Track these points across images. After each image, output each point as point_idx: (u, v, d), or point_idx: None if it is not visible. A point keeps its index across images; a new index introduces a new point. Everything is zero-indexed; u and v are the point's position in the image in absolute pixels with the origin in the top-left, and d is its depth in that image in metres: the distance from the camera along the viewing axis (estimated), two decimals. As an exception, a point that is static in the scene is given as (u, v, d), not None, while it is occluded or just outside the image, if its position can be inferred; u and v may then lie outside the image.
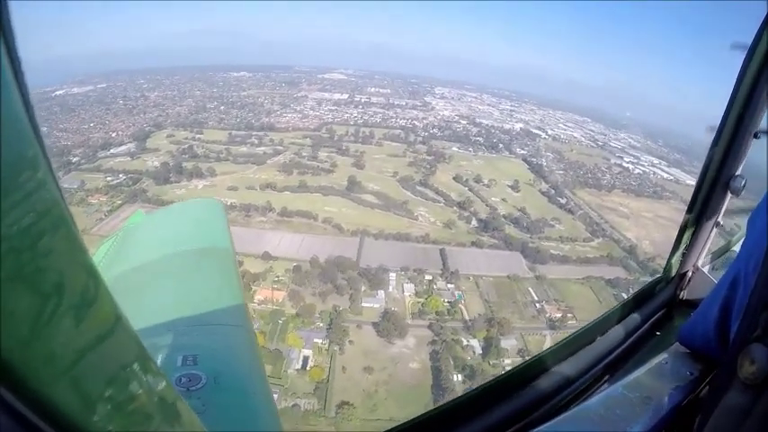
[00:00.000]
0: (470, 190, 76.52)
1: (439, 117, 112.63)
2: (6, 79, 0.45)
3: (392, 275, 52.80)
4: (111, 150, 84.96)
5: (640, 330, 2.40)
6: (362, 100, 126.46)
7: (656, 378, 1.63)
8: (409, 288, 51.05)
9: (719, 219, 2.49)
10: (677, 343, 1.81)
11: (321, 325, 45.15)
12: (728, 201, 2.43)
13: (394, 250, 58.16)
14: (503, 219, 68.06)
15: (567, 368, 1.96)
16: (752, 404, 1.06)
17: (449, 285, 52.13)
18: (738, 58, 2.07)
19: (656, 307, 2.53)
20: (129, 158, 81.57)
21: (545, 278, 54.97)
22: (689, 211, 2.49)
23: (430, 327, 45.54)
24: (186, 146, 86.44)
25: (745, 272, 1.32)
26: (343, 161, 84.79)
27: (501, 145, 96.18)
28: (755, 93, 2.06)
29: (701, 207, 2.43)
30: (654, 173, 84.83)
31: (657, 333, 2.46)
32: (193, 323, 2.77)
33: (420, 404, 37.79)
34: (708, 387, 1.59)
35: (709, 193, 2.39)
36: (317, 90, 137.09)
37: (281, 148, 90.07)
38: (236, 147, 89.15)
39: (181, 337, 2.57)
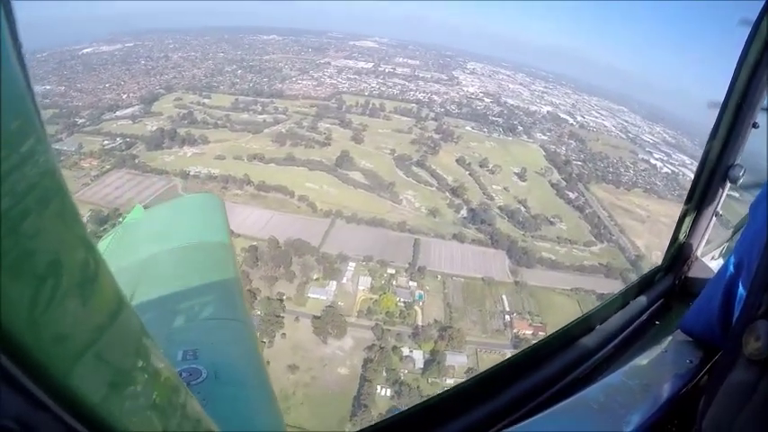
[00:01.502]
0: (471, 175, 69.80)
1: (462, 93, 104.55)
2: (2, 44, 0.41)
3: (351, 265, 48.69)
4: (117, 113, 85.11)
5: (640, 319, 2.40)
6: (386, 70, 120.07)
7: (655, 366, 1.70)
8: (365, 281, 46.80)
9: (718, 208, 2.49)
10: (677, 331, 1.86)
11: (259, 313, 42.08)
12: (727, 190, 2.43)
13: (364, 236, 53.80)
14: (497, 210, 61.37)
15: (568, 356, 1.99)
16: (757, 379, 1.07)
17: (411, 283, 47.30)
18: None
19: (656, 296, 2.53)
20: (130, 122, 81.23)
21: (525, 285, 48.66)
22: (688, 200, 2.49)
23: (374, 329, 41.39)
24: (187, 111, 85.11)
25: (748, 258, 1.33)
26: (342, 134, 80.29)
27: (520, 128, 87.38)
28: (754, 83, 2.08)
29: (700, 196, 2.44)
30: (683, 174, 73.80)
31: (657, 322, 2.46)
32: (193, 318, 2.80)
33: (335, 417, 34.31)
34: (707, 375, 1.64)
35: (708, 183, 2.40)
36: (343, 57, 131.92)
37: (283, 116, 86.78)
38: (237, 113, 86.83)
39: (181, 332, 2.61)
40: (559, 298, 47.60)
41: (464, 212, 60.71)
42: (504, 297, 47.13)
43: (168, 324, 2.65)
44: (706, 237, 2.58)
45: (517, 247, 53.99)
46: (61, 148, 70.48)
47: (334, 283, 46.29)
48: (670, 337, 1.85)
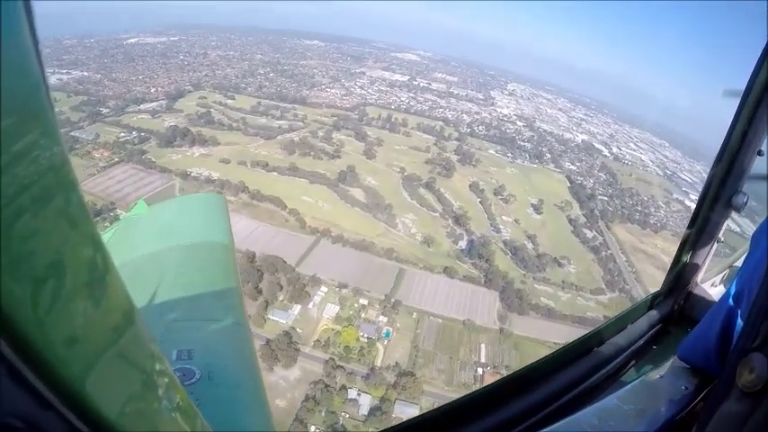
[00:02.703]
0: (482, 202, 66.69)
1: (494, 114, 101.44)
2: (13, 25, 0.41)
3: (322, 290, 47.28)
4: (141, 106, 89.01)
5: (637, 344, 2.44)
6: (421, 84, 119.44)
7: (651, 391, 1.75)
8: (332, 310, 45.19)
9: (721, 235, 2.53)
10: (673, 357, 1.92)
11: (213, 331, 41.73)
12: (730, 217, 2.48)
13: (346, 260, 52.34)
14: (500, 245, 57.92)
15: (563, 378, 2.04)
16: (750, 412, 1.11)
17: (381, 318, 45.12)
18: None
19: (655, 320, 2.57)
20: (149, 117, 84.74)
21: (511, 334, 45.15)
22: (690, 225, 2.54)
23: (326, 363, 39.66)
24: (206, 110, 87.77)
25: (748, 288, 1.36)
26: (355, 147, 79.70)
27: (548, 155, 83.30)
28: (759, 110, 2.12)
29: (703, 223, 2.49)
30: (720, 220, 65.44)
31: (654, 347, 2.51)
32: (189, 318, 2.88)
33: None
34: (702, 401, 1.69)
35: (710, 210, 2.44)
36: (380, 68, 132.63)
37: (300, 124, 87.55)
38: (255, 117, 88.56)
39: (176, 332, 2.67)
40: (547, 352, 43.55)
41: (463, 244, 57.77)
42: (482, 346, 43.92)
43: (164, 323, 2.65)
44: (707, 263, 2.62)
45: (512, 289, 50.47)
46: (80, 136, 74.60)
47: (299, 307, 45.08)
48: (667, 363, 1.91)
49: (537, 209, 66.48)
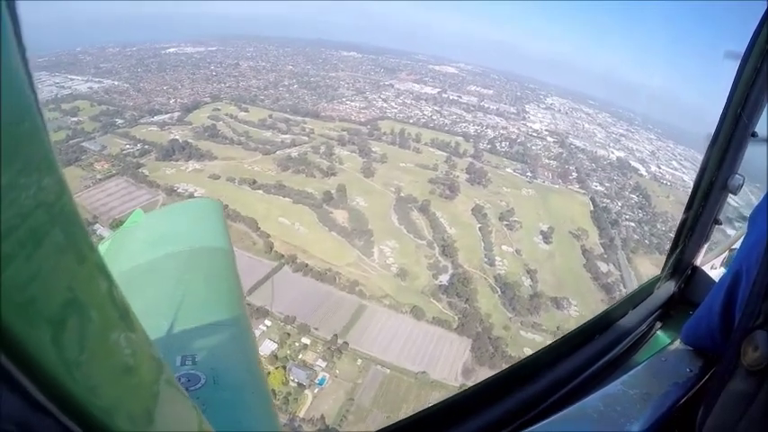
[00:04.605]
0: (482, 229, 60.71)
1: (523, 129, 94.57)
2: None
3: (266, 323, 44.37)
4: (154, 118, 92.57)
5: (640, 328, 2.52)
6: (450, 97, 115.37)
7: (655, 375, 1.82)
8: (269, 347, 42.06)
9: (718, 217, 2.62)
10: (676, 340, 2.01)
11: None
12: (727, 199, 2.56)
13: (303, 291, 49.23)
14: (491, 281, 51.94)
15: (567, 365, 2.10)
16: (756, 390, 1.15)
17: (319, 362, 41.46)
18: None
19: (656, 305, 2.64)
20: (158, 129, 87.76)
21: (471, 393, 39.54)
22: (687, 209, 2.62)
23: (241, 412, 36.62)
24: (211, 123, 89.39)
25: (747, 266, 1.41)
26: (355, 164, 76.83)
27: (574, 174, 75.19)
28: (753, 91, 2.17)
29: (700, 206, 2.56)
30: (760, 253, 54.52)
31: (657, 331, 2.60)
32: (192, 323, 2.93)
33: None
34: (707, 383, 1.74)
35: (707, 192, 2.51)
36: (411, 81, 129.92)
37: (305, 138, 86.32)
38: (261, 131, 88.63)
39: (179, 338, 2.73)
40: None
41: (444, 278, 52.50)
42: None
43: (167, 329, 2.70)
44: (705, 246, 2.71)
45: (490, 337, 44.68)
46: (88, 147, 78.33)
47: (233, 342, 42.63)
48: (670, 346, 1.97)
49: (546, 237, 59.22)
